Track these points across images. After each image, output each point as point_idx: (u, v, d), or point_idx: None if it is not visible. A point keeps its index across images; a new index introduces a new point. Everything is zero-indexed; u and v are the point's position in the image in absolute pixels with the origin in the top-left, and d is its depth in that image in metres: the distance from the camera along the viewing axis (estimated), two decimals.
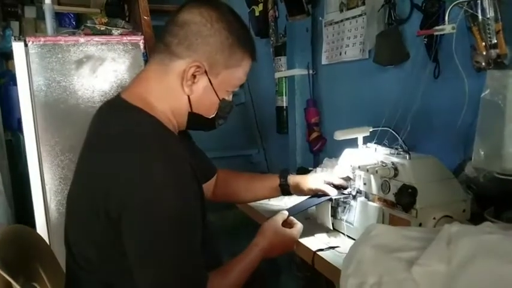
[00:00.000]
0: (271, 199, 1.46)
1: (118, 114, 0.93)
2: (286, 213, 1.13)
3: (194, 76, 0.91)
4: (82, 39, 1.77)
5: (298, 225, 1.11)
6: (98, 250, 0.88)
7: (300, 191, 1.24)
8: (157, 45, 0.95)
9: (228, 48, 0.92)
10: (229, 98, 1.00)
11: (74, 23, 2.91)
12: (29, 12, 2.94)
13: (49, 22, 1.88)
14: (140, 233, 0.81)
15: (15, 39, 1.71)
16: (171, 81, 0.92)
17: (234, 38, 0.92)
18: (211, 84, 0.93)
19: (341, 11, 1.77)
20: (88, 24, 1.89)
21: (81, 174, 0.94)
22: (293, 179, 1.25)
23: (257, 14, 2.28)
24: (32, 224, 1.74)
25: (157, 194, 0.79)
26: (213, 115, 0.99)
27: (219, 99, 0.96)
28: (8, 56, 2.82)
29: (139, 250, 0.82)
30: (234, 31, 0.92)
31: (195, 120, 0.97)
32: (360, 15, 1.66)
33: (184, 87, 0.92)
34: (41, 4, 2.67)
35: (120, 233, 0.81)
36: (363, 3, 1.64)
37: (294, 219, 1.13)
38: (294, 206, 1.22)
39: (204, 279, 0.87)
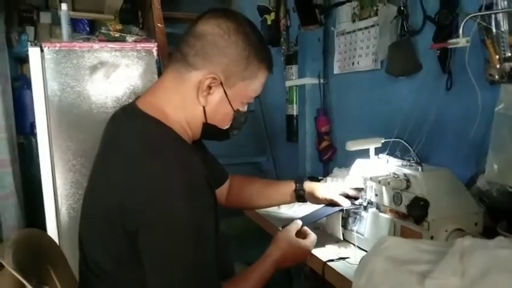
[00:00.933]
0: (282, 207, 1.47)
1: (134, 124, 0.92)
2: (300, 222, 1.11)
3: (210, 87, 0.91)
4: (96, 46, 1.80)
5: (312, 236, 1.10)
6: (112, 259, 0.88)
7: (314, 199, 1.23)
8: (174, 54, 0.95)
9: (245, 60, 0.92)
10: (244, 109, 1.00)
11: (87, 28, 2.95)
12: (44, 18, 2.99)
13: (65, 28, 1.91)
14: (156, 244, 0.81)
15: (31, 45, 1.74)
16: (187, 91, 0.92)
17: (251, 49, 0.92)
18: (226, 95, 0.93)
19: (353, 21, 1.78)
20: (103, 31, 1.92)
21: (96, 184, 0.94)
22: (309, 185, 1.25)
23: (269, 22, 2.30)
24: (42, 226, 1.76)
25: (174, 206, 0.80)
26: (228, 126, 0.99)
27: (234, 111, 0.96)
28: (23, 60, 2.87)
29: (155, 260, 0.82)
30: (251, 43, 0.92)
31: (209, 130, 0.97)
32: (372, 26, 1.66)
33: (200, 98, 0.92)
34: (56, 10, 2.73)
35: (135, 244, 0.81)
36: (376, 14, 1.64)
37: (308, 229, 1.12)
38: (307, 216, 1.21)
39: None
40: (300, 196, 1.25)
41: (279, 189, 1.29)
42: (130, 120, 0.94)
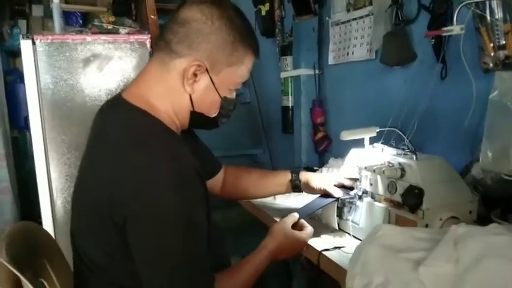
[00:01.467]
0: (277, 198, 1.47)
1: (119, 115, 0.91)
2: (297, 215, 1.11)
3: (195, 75, 0.90)
4: (89, 38, 1.78)
5: (309, 229, 1.09)
6: (104, 253, 0.88)
7: (310, 189, 1.24)
8: (157, 43, 0.93)
9: (230, 45, 0.90)
10: (232, 96, 0.99)
11: (80, 21, 2.92)
12: (37, 10, 2.96)
13: (57, 20, 1.90)
14: (145, 236, 0.80)
15: (23, 38, 1.73)
16: (172, 80, 0.90)
17: (236, 35, 0.90)
18: (212, 82, 0.92)
19: (348, 11, 1.77)
20: (95, 23, 1.90)
21: (84, 178, 0.94)
22: (304, 175, 1.25)
23: (263, 13, 2.28)
24: (37, 220, 1.75)
25: (162, 197, 0.79)
26: (215, 114, 0.98)
27: (221, 98, 0.95)
28: (16, 54, 2.86)
29: (144, 253, 0.81)
30: (235, 28, 0.90)
31: (197, 119, 0.96)
32: (367, 15, 1.66)
33: (186, 86, 0.90)
34: (48, 3, 2.70)
35: (125, 237, 0.81)
36: (370, 4, 1.63)
37: (305, 222, 1.11)
38: (303, 208, 1.21)
39: (210, 280, 0.86)
40: (296, 186, 1.26)
41: (275, 179, 1.29)
42: (115, 112, 0.93)
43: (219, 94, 0.94)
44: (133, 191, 0.79)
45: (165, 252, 0.81)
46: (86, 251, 0.92)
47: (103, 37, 1.81)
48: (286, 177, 1.26)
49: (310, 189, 1.23)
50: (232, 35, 0.90)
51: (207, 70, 0.90)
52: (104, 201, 0.82)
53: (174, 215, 0.80)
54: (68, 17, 2.80)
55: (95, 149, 0.92)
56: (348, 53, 1.78)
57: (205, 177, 0.91)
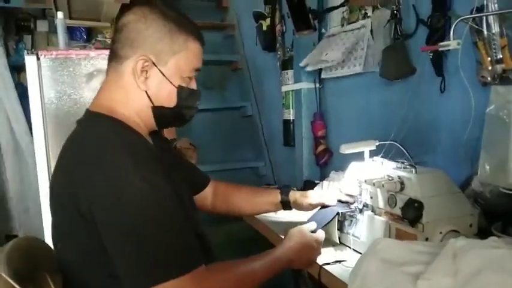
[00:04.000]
0: (278, 212, 1.47)
1: (83, 124, 0.97)
2: (315, 224, 1.14)
3: (146, 71, 0.94)
4: (93, 53, 1.81)
5: (321, 233, 1.13)
6: (81, 255, 0.90)
7: (300, 207, 1.26)
8: (109, 56, 0.99)
9: (168, 34, 0.94)
10: (191, 85, 1.01)
11: (84, 36, 2.96)
12: (41, 26, 3.00)
13: (61, 36, 1.92)
14: (112, 224, 0.82)
15: (27, 53, 1.75)
16: (126, 82, 0.95)
17: (171, 24, 0.95)
18: (162, 74, 0.95)
19: (342, 25, 1.80)
20: (99, 38, 1.93)
21: (52, 192, 0.96)
22: (294, 195, 1.27)
23: (264, 28, 2.31)
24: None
25: (122, 184, 0.81)
26: (175, 104, 0.99)
27: (176, 87, 0.97)
28: (20, 68, 2.88)
29: (116, 240, 0.82)
30: (168, 18, 0.95)
31: (161, 114, 0.99)
32: (358, 29, 1.69)
33: (139, 84, 0.94)
34: (53, 18, 2.74)
35: (96, 231, 0.82)
36: (364, 17, 1.67)
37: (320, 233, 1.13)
38: (317, 216, 1.21)
39: (191, 261, 0.84)
40: (286, 205, 1.28)
41: (265, 198, 1.31)
42: (81, 122, 0.98)
43: (172, 84, 0.97)
44: (96, 182, 0.83)
45: (136, 236, 0.80)
46: (66, 258, 0.94)
47: (106, 52, 1.81)
48: (275, 197, 1.29)
49: (300, 207, 1.26)
50: (167, 25, 0.94)
51: (154, 63, 0.94)
52: (71, 201, 0.85)
53: (139, 199, 0.81)
54: (72, 32, 2.83)
55: (60, 158, 0.96)
56: (336, 68, 1.83)
57: (192, 190, 0.96)
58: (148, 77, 0.95)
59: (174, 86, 0.97)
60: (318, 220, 1.18)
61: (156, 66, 0.94)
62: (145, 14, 0.94)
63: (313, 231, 1.12)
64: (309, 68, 1.94)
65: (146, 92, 0.96)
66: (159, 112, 0.98)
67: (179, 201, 0.89)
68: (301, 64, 1.81)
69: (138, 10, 0.95)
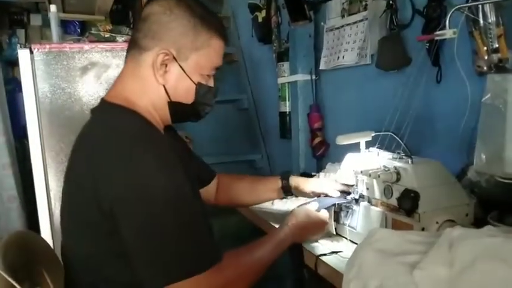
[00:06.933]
0: (275, 204, 1.47)
1: (101, 115, 0.95)
2: (317, 204, 1.15)
3: (166, 65, 0.92)
4: (87, 46, 1.79)
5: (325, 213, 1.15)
6: (93, 253, 0.88)
7: (302, 193, 1.27)
8: (129, 44, 0.97)
9: (192, 30, 0.92)
10: (210, 83, 1.00)
11: (78, 30, 2.94)
12: (35, 20, 2.98)
13: (54, 30, 1.91)
14: (136, 221, 0.80)
15: (20, 47, 1.73)
16: (145, 74, 0.93)
17: (197, 19, 0.93)
18: (182, 69, 0.94)
19: (342, 16, 1.78)
20: (93, 32, 1.92)
21: (69, 182, 0.94)
22: (295, 180, 1.28)
23: (260, 20, 2.30)
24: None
25: (146, 181, 0.80)
26: (193, 100, 0.98)
27: (195, 84, 0.96)
28: (14, 63, 2.86)
29: (139, 237, 0.80)
30: (194, 13, 0.93)
31: (177, 110, 0.98)
32: (360, 21, 1.67)
33: (158, 77, 0.93)
34: (46, 12, 2.72)
35: (115, 227, 0.81)
36: (365, 9, 1.64)
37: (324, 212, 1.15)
38: (322, 199, 1.22)
39: (214, 255, 0.85)
40: (287, 191, 1.28)
41: (267, 186, 1.31)
42: (98, 113, 0.97)
43: (192, 80, 0.95)
44: (118, 179, 0.81)
45: (158, 232, 0.80)
46: (74, 253, 0.93)
47: (100, 45, 1.81)
48: (276, 183, 1.29)
49: (303, 193, 1.27)
50: (192, 21, 0.93)
51: (174, 58, 0.92)
52: (91, 195, 0.82)
53: (161, 195, 0.80)
54: (66, 26, 2.82)
55: (78, 150, 0.94)
56: (338, 58, 1.79)
57: (198, 185, 0.91)
58: (167, 71, 0.93)
59: (193, 82, 0.96)
60: (320, 201, 1.19)
61: (176, 61, 0.93)
62: (171, 6, 0.92)
63: (317, 211, 1.14)
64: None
65: (164, 86, 0.94)
66: (175, 108, 0.97)
67: (197, 197, 0.90)
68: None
69: (164, 2, 0.92)
